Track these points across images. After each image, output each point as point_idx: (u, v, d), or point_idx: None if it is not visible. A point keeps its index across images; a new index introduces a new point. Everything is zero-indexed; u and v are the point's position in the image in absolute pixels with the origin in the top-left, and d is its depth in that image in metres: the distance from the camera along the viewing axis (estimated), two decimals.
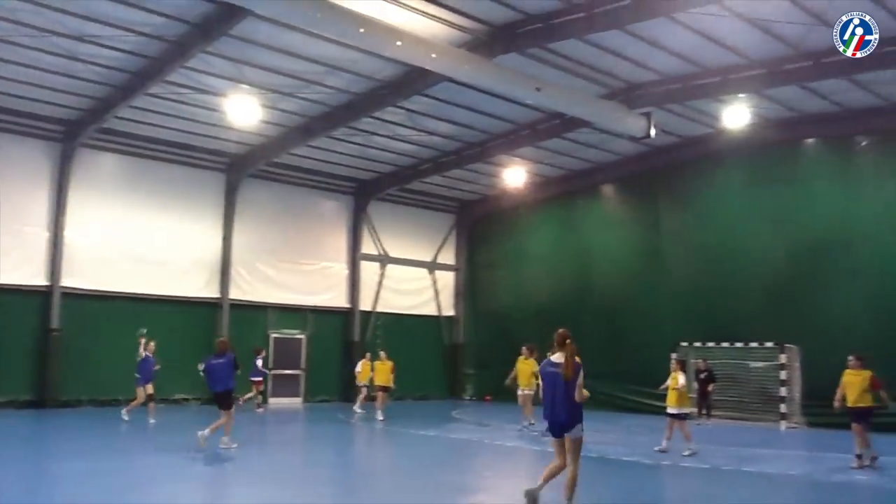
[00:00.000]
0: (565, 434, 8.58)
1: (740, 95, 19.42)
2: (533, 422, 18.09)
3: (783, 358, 20.55)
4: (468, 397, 29.60)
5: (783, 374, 20.42)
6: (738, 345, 21.53)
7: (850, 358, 13.56)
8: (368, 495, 10.68)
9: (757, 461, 13.99)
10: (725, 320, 22.10)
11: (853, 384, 13.26)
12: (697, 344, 22.53)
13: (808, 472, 13.11)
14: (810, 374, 20.22)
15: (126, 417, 17.95)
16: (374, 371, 21.63)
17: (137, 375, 18.30)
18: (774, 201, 22.01)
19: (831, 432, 18.61)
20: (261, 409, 22.52)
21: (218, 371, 13.78)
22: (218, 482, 11.44)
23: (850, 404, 13.29)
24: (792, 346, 20.69)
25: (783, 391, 20.35)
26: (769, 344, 20.87)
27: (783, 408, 20.32)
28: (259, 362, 22.63)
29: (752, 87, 18.70)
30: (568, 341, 8.61)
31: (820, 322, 20.44)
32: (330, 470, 12.87)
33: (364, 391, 22.26)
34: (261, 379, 22.78)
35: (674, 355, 15.28)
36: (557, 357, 8.67)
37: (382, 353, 21.58)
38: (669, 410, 14.90)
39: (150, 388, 18.42)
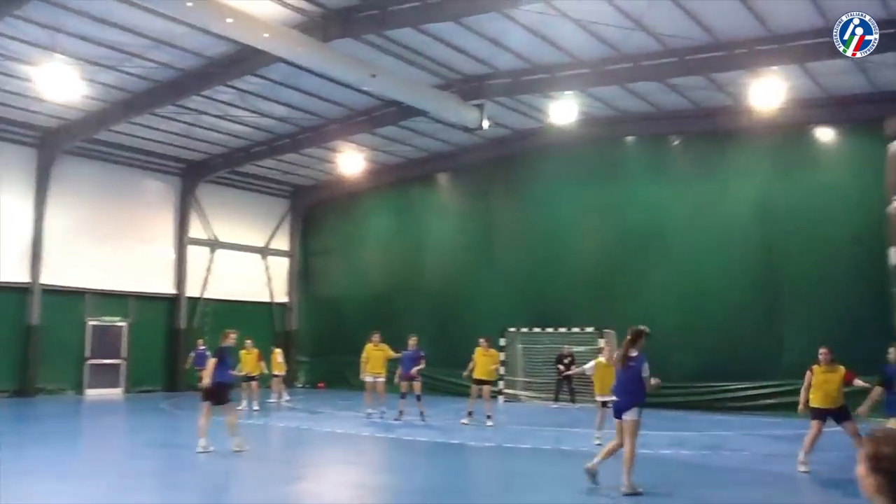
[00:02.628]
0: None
1: (567, 92, 20.32)
2: (385, 410, 18.04)
3: (602, 342, 21.76)
4: (301, 385, 29.24)
5: (601, 358, 21.60)
6: (562, 330, 22.62)
7: (822, 351, 11.31)
8: (192, 486, 10.31)
9: (573, 440, 14.78)
10: (550, 307, 23.14)
11: (832, 381, 11.11)
12: (524, 329, 23.50)
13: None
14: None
15: None
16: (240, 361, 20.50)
17: None
18: (598, 195, 23.23)
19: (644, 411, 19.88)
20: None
21: None
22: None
23: (828, 406, 11.09)
24: (609, 330, 21.95)
25: None
26: (589, 329, 22.07)
27: None
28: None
29: (578, 85, 19.60)
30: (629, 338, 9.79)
31: (635, 308, 21.72)
32: (147, 462, 12.29)
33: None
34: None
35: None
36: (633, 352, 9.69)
37: (249, 342, 20.49)
38: (610, 399, 13.35)
39: None
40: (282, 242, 30.46)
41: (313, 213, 30.74)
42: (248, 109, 21.63)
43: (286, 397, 22.18)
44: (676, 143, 22.39)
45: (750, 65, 17.39)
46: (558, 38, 17.54)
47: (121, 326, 25.10)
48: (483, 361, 17.25)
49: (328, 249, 30.18)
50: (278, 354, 21.89)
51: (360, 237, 29.02)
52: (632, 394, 9.50)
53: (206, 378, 12.59)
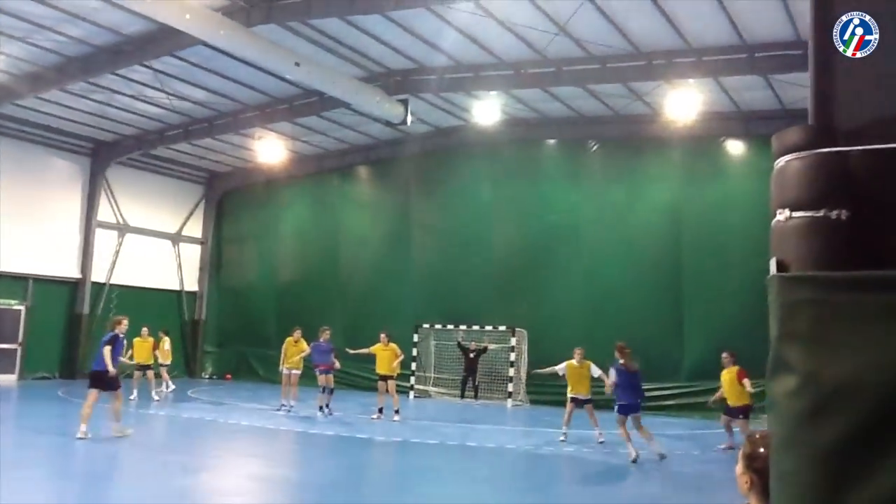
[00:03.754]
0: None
1: (492, 92, 20.48)
2: (293, 403, 17.78)
3: (513, 340, 22.10)
4: (208, 376, 28.54)
5: (512, 356, 21.96)
6: (475, 327, 22.80)
7: (724, 355, 13.67)
8: (87, 478, 9.95)
9: (480, 436, 14.93)
10: (464, 304, 23.30)
11: (727, 381, 13.55)
12: (438, 326, 23.58)
13: (521, 445, 14.21)
14: (535, 356, 21.90)
15: None
16: (132, 348, 19.82)
17: None
18: (515, 195, 23.47)
19: (549, 409, 20.32)
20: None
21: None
22: None
23: (730, 403, 13.57)
24: (521, 329, 22.28)
25: (511, 371, 21.90)
26: (502, 327, 22.33)
27: (510, 387, 21.86)
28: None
29: (502, 85, 19.77)
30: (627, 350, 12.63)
31: (545, 307, 22.20)
32: (40, 452, 11.79)
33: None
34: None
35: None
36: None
37: (144, 330, 19.91)
38: (583, 397, 14.43)
39: None
40: (195, 229, 29.65)
41: (228, 200, 30.04)
42: (164, 91, 20.94)
43: (167, 388, 21.25)
44: (594, 148, 22.85)
45: (667, 76, 17.90)
46: (485, 38, 17.63)
47: (18, 310, 23.94)
48: (384, 356, 17.27)
49: (241, 238, 29.56)
50: (166, 342, 21.25)
51: (274, 227, 28.52)
52: (638, 396, 12.38)
53: (109, 366, 12.49)
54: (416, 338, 23.32)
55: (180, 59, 18.85)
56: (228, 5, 16.28)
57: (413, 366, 22.98)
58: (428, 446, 13.55)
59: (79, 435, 12.14)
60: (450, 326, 23.24)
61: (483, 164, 24.18)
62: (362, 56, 19.15)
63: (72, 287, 25.41)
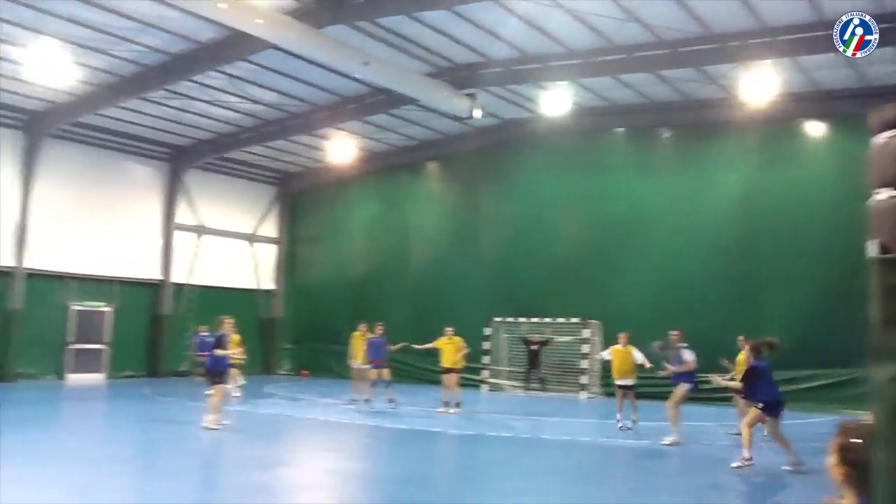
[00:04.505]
0: None
1: (560, 83, 20.25)
2: (368, 398, 17.89)
3: (586, 333, 21.85)
4: (284, 372, 29.14)
5: (585, 348, 21.72)
6: (547, 320, 22.63)
7: (740, 339, 14.48)
8: (168, 472, 10.27)
9: (553, 429, 14.83)
10: (535, 297, 23.14)
11: (741, 363, 13.89)
12: (510, 319, 23.50)
13: (595, 438, 14.04)
14: (607, 347, 21.56)
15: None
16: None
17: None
18: (584, 185, 23.19)
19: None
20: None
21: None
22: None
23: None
24: (594, 321, 22.00)
25: (585, 363, 21.66)
26: (575, 319, 22.10)
27: (584, 379, 21.63)
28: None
29: (571, 75, 19.54)
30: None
31: (618, 298, 21.81)
32: (126, 447, 12.24)
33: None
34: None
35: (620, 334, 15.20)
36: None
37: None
38: (626, 383, 14.70)
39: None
40: (269, 229, 30.31)
41: (301, 199, 30.58)
42: (237, 95, 21.46)
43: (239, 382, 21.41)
44: (667, 135, 22.38)
45: (742, 58, 17.39)
46: (552, 28, 17.47)
47: (104, 311, 24.91)
48: (448, 350, 17.35)
49: (314, 236, 30.03)
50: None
51: (345, 224, 28.89)
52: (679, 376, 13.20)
53: (232, 358, 14.92)
54: (487, 331, 23.29)
55: (252, 63, 19.27)
56: (298, 7, 16.54)
57: (486, 359, 22.95)
58: (501, 439, 13.53)
59: (211, 425, 13.32)
60: (521, 319, 23.13)
61: (550, 155, 23.96)
62: (428, 51, 19.21)
63: (154, 288, 26.29)
